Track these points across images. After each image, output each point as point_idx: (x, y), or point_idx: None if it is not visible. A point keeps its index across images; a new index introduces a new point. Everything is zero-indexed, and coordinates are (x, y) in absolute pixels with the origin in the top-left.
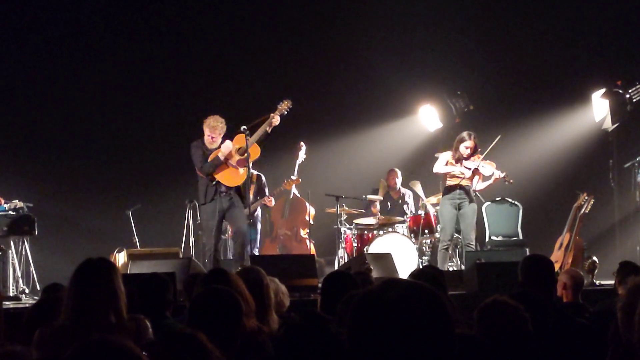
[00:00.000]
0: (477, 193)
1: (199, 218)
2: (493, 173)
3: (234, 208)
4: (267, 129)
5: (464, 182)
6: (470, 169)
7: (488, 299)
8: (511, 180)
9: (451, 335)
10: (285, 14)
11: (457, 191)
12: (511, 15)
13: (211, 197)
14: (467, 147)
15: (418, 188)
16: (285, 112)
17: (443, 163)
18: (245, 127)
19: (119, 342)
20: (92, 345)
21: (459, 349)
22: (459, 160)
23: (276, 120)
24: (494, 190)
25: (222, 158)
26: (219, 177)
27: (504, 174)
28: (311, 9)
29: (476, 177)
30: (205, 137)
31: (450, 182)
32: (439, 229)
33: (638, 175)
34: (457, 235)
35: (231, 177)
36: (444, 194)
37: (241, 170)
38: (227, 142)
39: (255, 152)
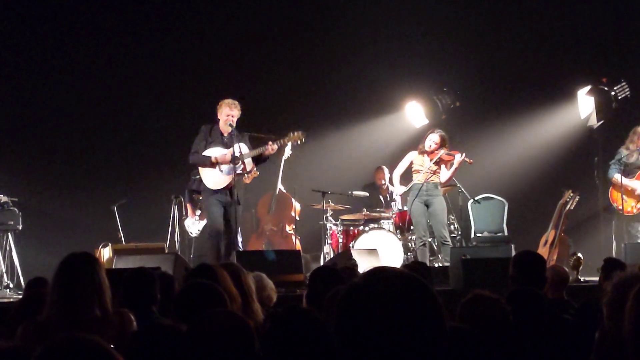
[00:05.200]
0: (462, 190)
1: (184, 213)
2: (454, 157)
3: (231, 205)
4: (264, 152)
5: (432, 178)
6: (434, 162)
7: (469, 295)
8: (471, 160)
9: (440, 323)
10: (274, 12)
11: (423, 187)
12: (497, 12)
13: (220, 187)
14: (431, 140)
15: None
16: (297, 143)
17: (402, 167)
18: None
19: (87, 339)
20: (60, 344)
21: (453, 341)
22: (422, 152)
23: (273, 149)
24: (480, 187)
25: (212, 160)
26: (203, 175)
27: (463, 155)
28: (299, 8)
29: (442, 166)
30: (224, 118)
31: (415, 178)
32: None
33: (610, 171)
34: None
35: (215, 182)
36: (411, 191)
37: (225, 178)
38: (227, 154)
39: (248, 165)
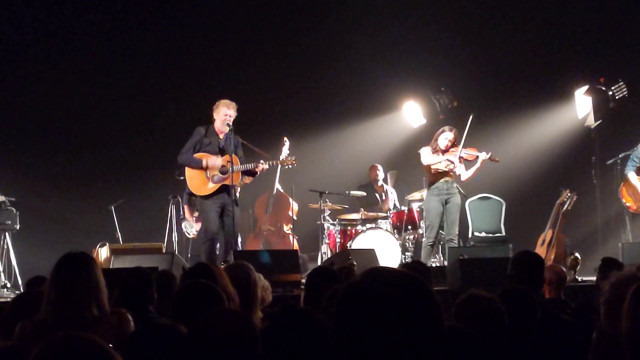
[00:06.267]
0: (460, 189)
1: (182, 214)
2: (477, 156)
3: (230, 205)
4: (254, 169)
5: (448, 177)
6: (452, 161)
7: (464, 294)
8: (497, 159)
9: (438, 323)
10: (270, 11)
11: (444, 186)
12: (495, 12)
13: (202, 193)
14: (446, 139)
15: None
16: (288, 167)
17: (428, 153)
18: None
19: (86, 338)
20: (59, 343)
21: (450, 340)
22: (436, 151)
23: (264, 168)
24: (478, 186)
25: (203, 164)
26: (188, 178)
27: (489, 154)
28: (296, 5)
29: (462, 166)
30: (222, 117)
31: (435, 177)
32: (422, 224)
33: (626, 167)
34: (440, 231)
35: (198, 186)
36: (429, 190)
37: (210, 185)
38: (218, 159)
39: (235, 178)
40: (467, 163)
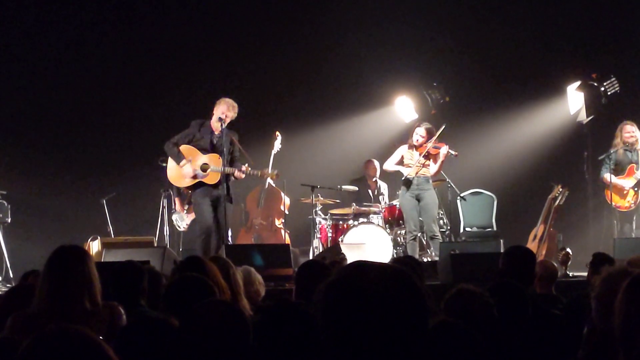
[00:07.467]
0: (451, 184)
1: (173, 207)
2: (440, 150)
3: (221, 198)
4: (233, 173)
5: (422, 171)
6: (422, 155)
7: (453, 289)
8: (456, 153)
9: (423, 313)
10: (264, 6)
11: (415, 181)
12: (488, 7)
13: (178, 184)
14: (417, 134)
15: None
16: (271, 179)
17: (394, 160)
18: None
19: (77, 330)
20: (49, 335)
21: (441, 334)
22: (412, 146)
23: (240, 176)
24: (469, 182)
25: (180, 164)
26: (168, 167)
27: (448, 148)
28: (290, 1)
29: (431, 161)
30: (220, 114)
31: (406, 173)
32: None
33: (601, 171)
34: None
35: (176, 177)
36: (402, 186)
37: (187, 180)
38: (190, 169)
39: (214, 177)
40: (435, 157)
